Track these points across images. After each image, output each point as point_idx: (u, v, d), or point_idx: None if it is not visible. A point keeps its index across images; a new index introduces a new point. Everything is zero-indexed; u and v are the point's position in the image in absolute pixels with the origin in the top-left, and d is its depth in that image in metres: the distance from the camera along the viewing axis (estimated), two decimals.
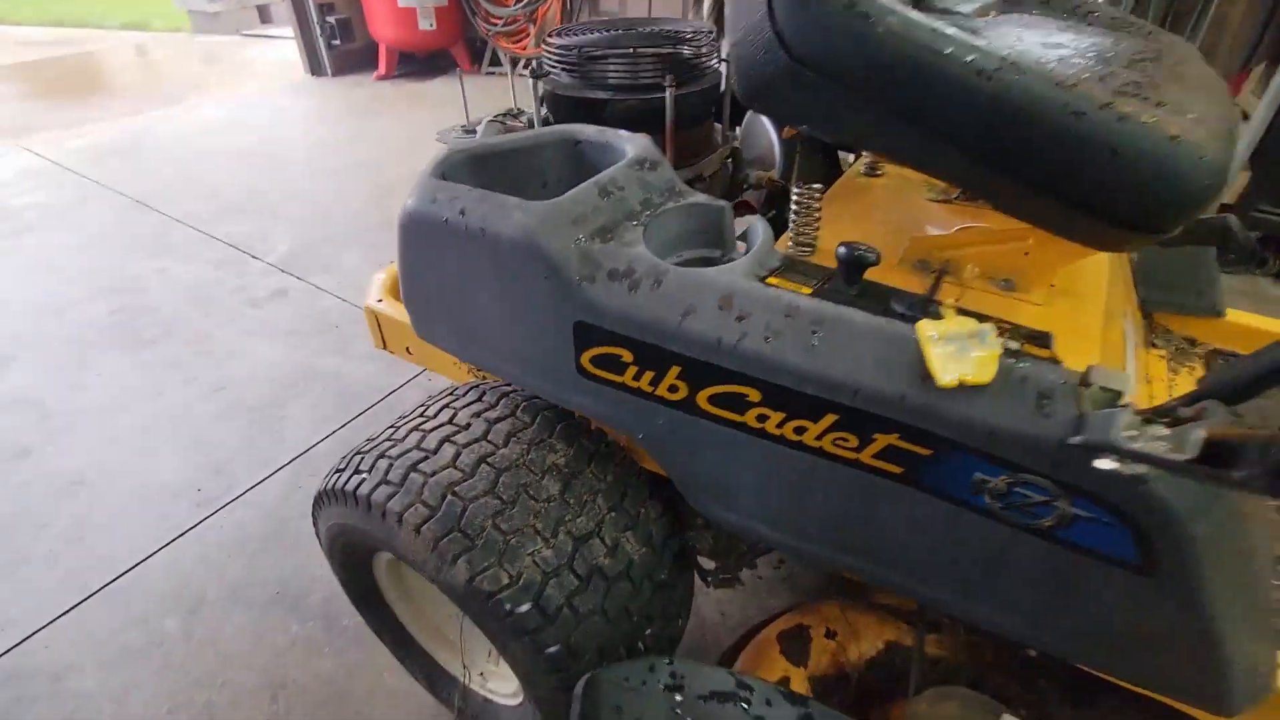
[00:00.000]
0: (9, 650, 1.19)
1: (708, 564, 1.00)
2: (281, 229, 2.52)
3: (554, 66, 1.06)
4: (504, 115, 1.21)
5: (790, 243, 0.93)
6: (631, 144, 0.77)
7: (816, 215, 0.88)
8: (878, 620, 0.97)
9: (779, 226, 1.11)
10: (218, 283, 2.21)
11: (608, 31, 1.12)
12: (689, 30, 1.10)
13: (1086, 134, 0.58)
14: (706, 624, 1.25)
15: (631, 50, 1.00)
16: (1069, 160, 0.60)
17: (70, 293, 2.15)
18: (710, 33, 1.09)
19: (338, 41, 4.17)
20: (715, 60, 1.10)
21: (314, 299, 2.14)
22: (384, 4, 3.94)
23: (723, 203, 0.73)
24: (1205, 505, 0.50)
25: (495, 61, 4.44)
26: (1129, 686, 0.66)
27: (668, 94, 0.97)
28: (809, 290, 0.61)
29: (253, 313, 2.07)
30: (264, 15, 5.87)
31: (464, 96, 1.30)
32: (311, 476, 1.52)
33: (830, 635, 0.98)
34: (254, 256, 2.36)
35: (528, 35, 4.24)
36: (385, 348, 1.24)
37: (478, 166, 0.80)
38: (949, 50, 0.61)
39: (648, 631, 0.83)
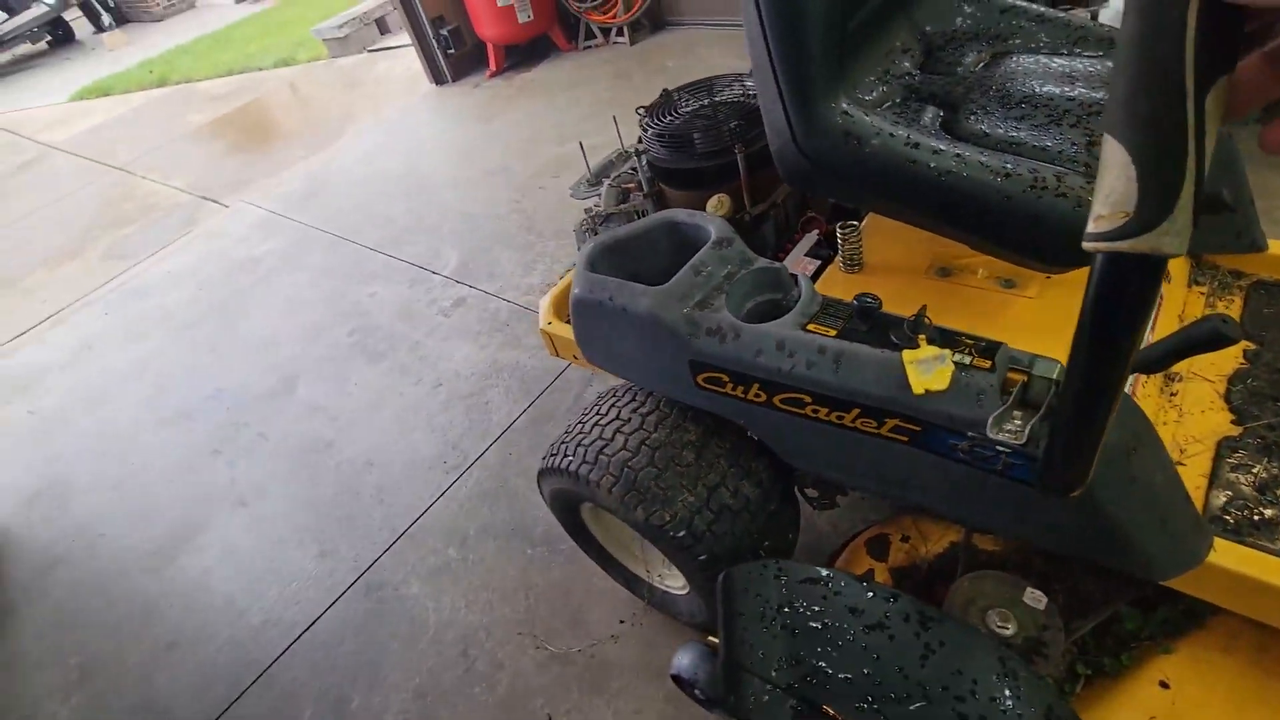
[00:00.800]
0: (364, 572, 1.87)
1: (812, 493, 1.39)
2: (448, 245, 3.09)
3: (652, 145, 1.41)
4: (617, 175, 1.57)
5: (842, 262, 1.25)
6: (713, 225, 1.12)
7: (857, 242, 1.19)
8: (941, 526, 1.31)
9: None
10: (414, 299, 2.83)
11: (696, 101, 1.44)
12: (754, 92, 1.39)
13: (1016, 209, 0.86)
14: (823, 534, 1.64)
15: (707, 129, 1.33)
16: (1005, 225, 0.88)
17: (318, 320, 2.88)
18: None
19: (452, 50, 4.65)
20: None
21: (486, 302, 2.70)
22: (486, 7, 4.33)
23: (779, 265, 1.06)
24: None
25: (589, 35, 4.70)
26: (1097, 562, 0.97)
27: (740, 157, 1.29)
28: (834, 332, 0.95)
29: (445, 321, 2.66)
30: (382, 27, 6.49)
31: (584, 156, 1.68)
32: (517, 444, 2.08)
33: (905, 539, 1.34)
34: (434, 272, 2.96)
35: (615, 4, 4.45)
36: (558, 355, 1.69)
37: (613, 253, 1.20)
38: (917, 159, 0.90)
39: (765, 544, 1.25)
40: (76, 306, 3.54)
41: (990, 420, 0.78)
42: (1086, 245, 0.34)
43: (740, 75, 1.54)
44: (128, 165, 5.26)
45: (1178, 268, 1.33)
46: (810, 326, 0.98)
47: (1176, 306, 1.31)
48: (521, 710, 1.49)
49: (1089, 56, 1.06)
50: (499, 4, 4.29)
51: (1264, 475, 1.01)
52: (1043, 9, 1.14)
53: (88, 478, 2.45)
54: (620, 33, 4.59)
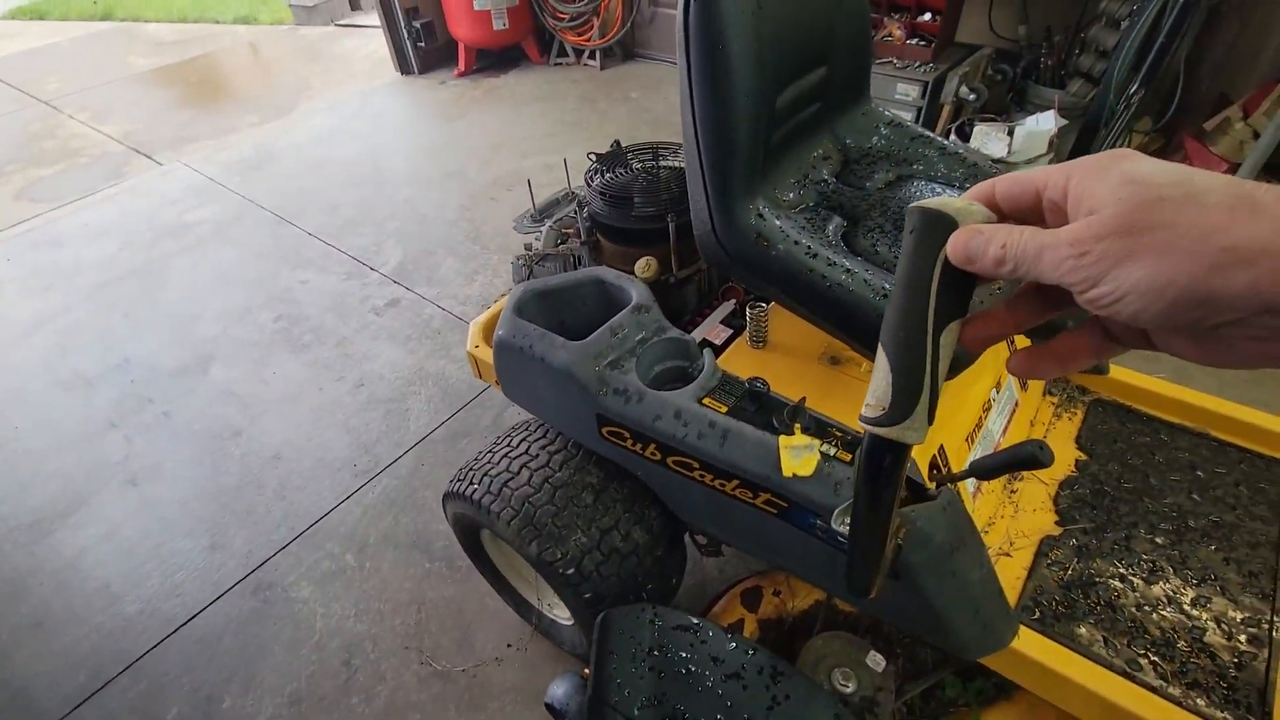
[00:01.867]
0: (255, 569, 1.85)
1: (701, 540, 1.49)
2: (391, 242, 3.08)
3: (594, 200, 1.49)
4: (559, 219, 1.65)
5: (749, 338, 1.36)
6: (635, 290, 1.21)
7: (764, 322, 1.31)
8: (808, 585, 1.44)
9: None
10: (348, 293, 2.81)
11: (637, 159, 1.53)
12: None
13: None
14: (709, 578, 1.75)
15: (642, 193, 1.42)
16: (875, 336, 1.00)
17: (245, 301, 2.81)
18: None
19: (423, 43, 4.63)
20: None
21: (421, 307, 2.71)
22: (462, 7, 4.34)
23: (688, 337, 1.16)
24: (917, 547, 0.93)
25: (562, 52, 4.78)
26: (920, 638, 1.11)
27: (671, 225, 1.39)
28: (725, 409, 1.06)
29: (376, 320, 2.66)
30: (354, 3, 6.37)
31: (531, 194, 1.74)
32: (432, 456, 2.11)
33: (776, 593, 1.46)
34: (372, 268, 2.94)
35: (592, 28, 4.54)
36: (481, 379, 1.74)
37: (541, 300, 1.27)
38: (813, 268, 1.02)
39: (649, 587, 1.33)
40: None
41: (835, 512, 0.89)
42: (860, 421, 0.45)
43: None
44: (55, 100, 4.94)
45: (1035, 381, 1.52)
46: (705, 400, 1.08)
47: (1030, 412, 1.49)
48: None
49: None
50: (475, 8, 4.31)
51: (1072, 574, 1.17)
52: (945, 141, 1.30)
53: None
54: (592, 56, 4.69)
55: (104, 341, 2.66)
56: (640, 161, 1.57)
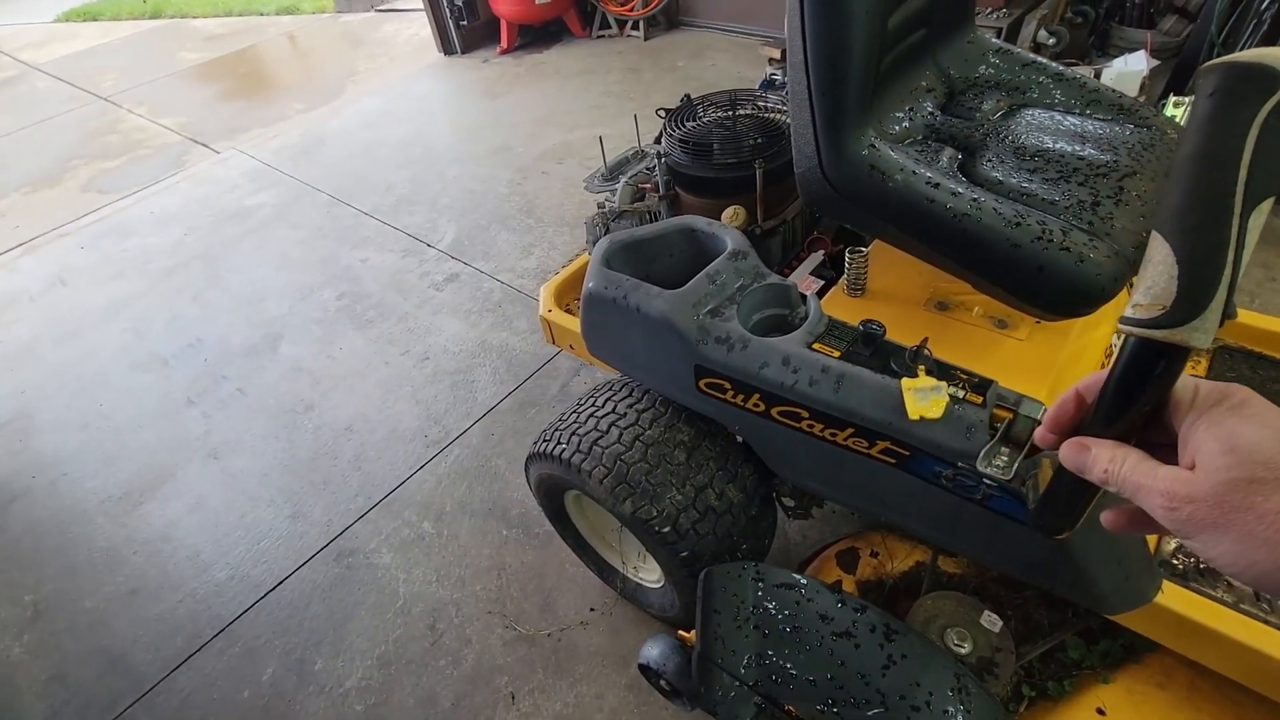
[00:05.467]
0: (336, 537, 1.87)
1: (788, 502, 1.44)
2: (445, 219, 3.08)
3: (673, 149, 1.44)
4: (634, 174, 1.60)
5: (846, 286, 1.29)
6: (730, 237, 1.16)
7: (863, 267, 1.24)
8: (908, 545, 1.38)
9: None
10: (406, 270, 2.82)
11: (717, 113, 1.47)
12: (779, 108, 1.43)
13: (1022, 257, 0.91)
14: (792, 543, 1.70)
15: (731, 141, 1.36)
16: (1011, 271, 0.93)
17: (307, 281, 2.84)
18: None
19: (465, 22, 4.60)
20: None
21: (479, 281, 2.70)
22: None
23: (789, 283, 1.11)
24: None
25: (604, 24, 4.69)
26: (1053, 592, 1.04)
27: (758, 172, 1.33)
28: (838, 354, 1.00)
29: (437, 295, 2.66)
30: None
31: (603, 151, 1.70)
32: (501, 426, 2.10)
33: (874, 554, 1.40)
34: (429, 245, 2.94)
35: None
36: (554, 344, 1.71)
37: (629, 250, 1.23)
38: (935, 199, 0.95)
39: (743, 546, 1.29)
40: (51, 237, 3.43)
41: (980, 454, 0.83)
42: (1122, 326, 0.39)
43: (760, 92, 1.58)
44: (114, 96, 5.08)
45: None
46: (815, 346, 1.02)
47: None
48: (485, 687, 1.52)
49: (1100, 119, 1.12)
50: None
51: None
52: (1061, 67, 1.20)
53: (53, 414, 2.39)
54: (635, 26, 4.60)
55: (176, 323, 2.73)
56: (719, 110, 1.50)
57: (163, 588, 1.83)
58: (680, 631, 1.28)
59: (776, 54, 3.41)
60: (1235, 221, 0.34)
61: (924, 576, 1.34)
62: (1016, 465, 0.81)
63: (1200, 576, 1.04)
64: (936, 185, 0.96)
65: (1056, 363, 1.08)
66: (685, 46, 4.41)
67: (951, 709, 0.99)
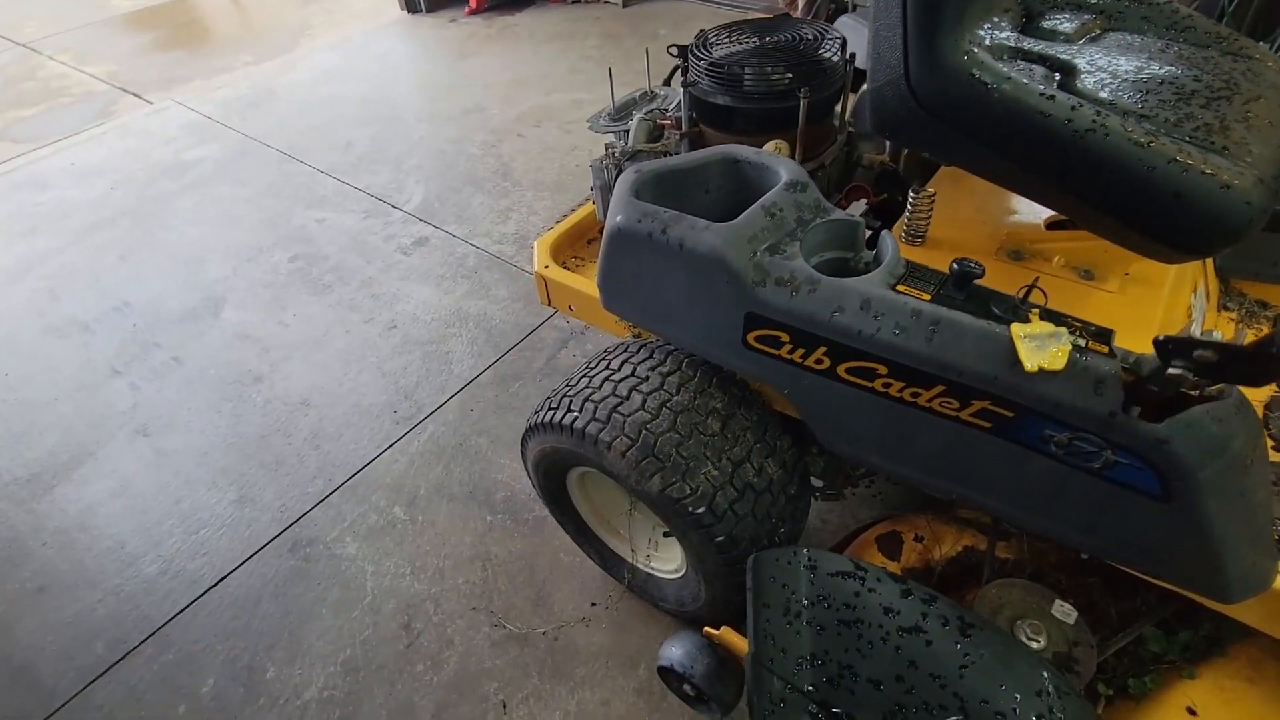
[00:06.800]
0: (291, 525, 1.62)
1: (817, 482, 1.28)
2: (412, 180, 2.81)
3: (700, 78, 1.25)
4: (650, 111, 1.41)
5: (903, 232, 1.14)
6: (784, 168, 0.99)
7: (927, 211, 1.08)
8: (956, 529, 1.24)
9: (891, 208, 1.31)
10: (369, 231, 2.55)
11: (746, 41, 1.29)
12: (815, 36, 1.26)
13: (1157, 182, 0.77)
14: (810, 528, 1.54)
15: (769, 68, 1.19)
16: (1142, 199, 0.79)
17: (255, 241, 2.54)
18: (838, 39, 1.25)
19: None
20: (840, 60, 1.26)
21: (452, 246, 2.46)
22: None
23: (858, 219, 0.94)
24: (1211, 456, 0.72)
25: None
26: (1153, 580, 0.91)
27: (801, 104, 1.16)
28: (928, 296, 0.84)
29: (404, 259, 2.40)
30: None
31: (611, 88, 1.50)
32: (480, 401, 1.88)
33: (918, 539, 1.26)
34: (394, 206, 2.68)
35: None
36: (550, 304, 1.51)
37: (660, 183, 1.04)
38: (1052, 113, 0.80)
39: (782, 530, 1.13)
40: None
41: (1129, 413, 0.68)
42: None
43: (795, 21, 1.41)
44: (34, 42, 4.57)
45: (1212, 290, 1.31)
46: (900, 288, 0.86)
47: (1208, 328, 1.28)
48: (472, 695, 1.31)
49: (1198, 46, 0.99)
50: None
51: None
52: None
53: None
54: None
55: (100, 285, 2.39)
56: (751, 36, 1.32)
57: (78, 585, 1.55)
58: (707, 629, 1.11)
59: None
60: None
61: (977, 563, 1.21)
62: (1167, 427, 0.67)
63: None
64: (1051, 97, 0.80)
65: (1156, 314, 0.95)
66: (667, 15, 4.22)
67: (1040, 714, 0.85)
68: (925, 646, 0.90)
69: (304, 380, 1.98)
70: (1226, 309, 1.31)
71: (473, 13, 4.39)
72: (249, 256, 2.47)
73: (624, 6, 4.33)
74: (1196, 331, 1.16)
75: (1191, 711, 0.98)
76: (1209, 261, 1.27)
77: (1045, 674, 0.88)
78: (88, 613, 1.50)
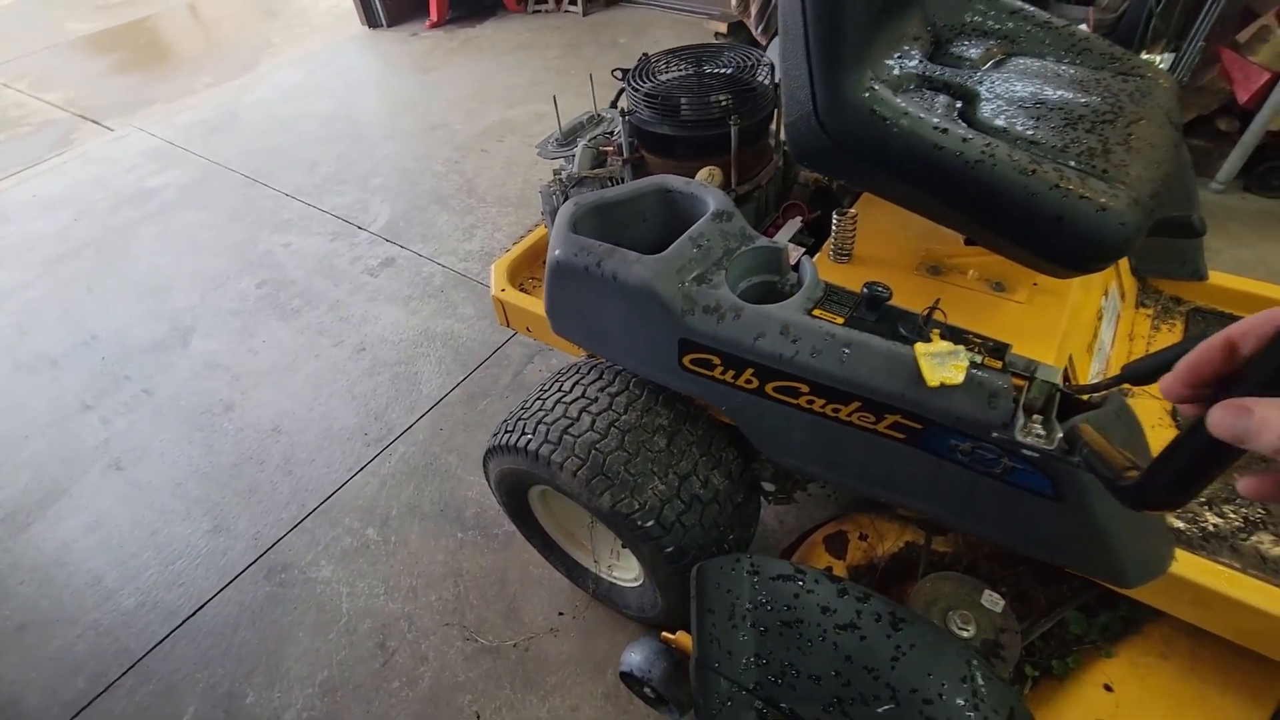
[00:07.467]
0: (266, 551, 1.66)
1: (769, 487, 1.35)
2: (378, 199, 2.84)
3: (638, 108, 1.31)
4: (594, 137, 1.46)
5: (831, 250, 1.20)
6: (711, 197, 1.04)
7: (851, 232, 1.15)
8: (898, 525, 1.31)
9: (826, 225, 1.37)
10: (336, 254, 2.58)
11: (683, 69, 1.35)
12: (750, 63, 1.32)
13: (1040, 207, 0.84)
14: (768, 529, 1.61)
15: (701, 98, 1.24)
16: (1029, 223, 0.85)
17: (222, 268, 2.56)
18: (769, 65, 1.31)
19: None
20: (770, 84, 1.32)
21: (418, 266, 2.49)
22: None
23: (780, 245, 1.00)
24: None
25: None
26: (1065, 568, 0.98)
27: (733, 129, 1.22)
28: (842, 320, 0.90)
29: (371, 281, 2.44)
30: None
31: (557, 114, 1.55)
32: (449, 420, 1.93)
33: (863, 537, 1.33)
34: (360, 227, 2.71)
35: None
36: (508, 326, 1.56)
37: (598, 215, 1.09)
38: (945, 145, 0.86)
39: (730, 537, 1.19)
40: None
41: (1016, 424, 0.75)
42: None
43: (729, 46, 1.47)
44: None
45: (1132, 290, 1.39)
46: (816, 312, 0.92)
47: (1126, 326, 1.37)
48: (447, 707, 1.36)
49: (1093, 68, 1.06)
50: None
51: (1214, 490, 1.05)
52: (1049, 16, 1.14)
53: None
54: (573, 1, 4.41)
55: (67, 318, 2.41)
56: (686, 65, 1.38)
57: (58, 620, 1.58)
58: (664, 634, 1.17)
59: (723, 28, 3.31)
60: None
61: (917, 558, 1.28)
62: (1061, 435, 0.74)
63: (1207, 542, 1.00)
64: (944, 130, 0.87)
65: (1059, 324, 1.02)
66: (626, 23, 4.27)
67: (965, 699, 0.92)
68: (860, 642, 0.97)
69: (275, 407, 2.01)
70: (1144, 306, 1.39)
71: (434, 26, 4.41)
72: (216, 284, 2.49)
73: (584, 15, 4.37)
74: (1105, 334, 1.24)
75: (1108, 688, 1.05)
76: (1123, 264, 1.35)
77: (971, 661, 0.95)
78: (68, 648, 1.53)
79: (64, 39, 4.97)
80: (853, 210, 1.14)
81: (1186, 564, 0.93)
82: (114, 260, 2.65)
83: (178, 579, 1.63)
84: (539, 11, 4.50)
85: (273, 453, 1.89)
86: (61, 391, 2.13)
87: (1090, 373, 1.13)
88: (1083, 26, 2.22)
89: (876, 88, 0.90)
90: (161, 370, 2.17)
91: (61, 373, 2.20)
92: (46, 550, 1.72)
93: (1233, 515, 1.03)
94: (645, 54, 1.52)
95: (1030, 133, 0.93)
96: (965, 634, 1.09)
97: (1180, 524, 1.03)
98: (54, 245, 2.76)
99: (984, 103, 0.99)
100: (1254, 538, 0.99)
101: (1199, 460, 0.41)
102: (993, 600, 1.11)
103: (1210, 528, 1.01)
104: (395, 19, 4.48)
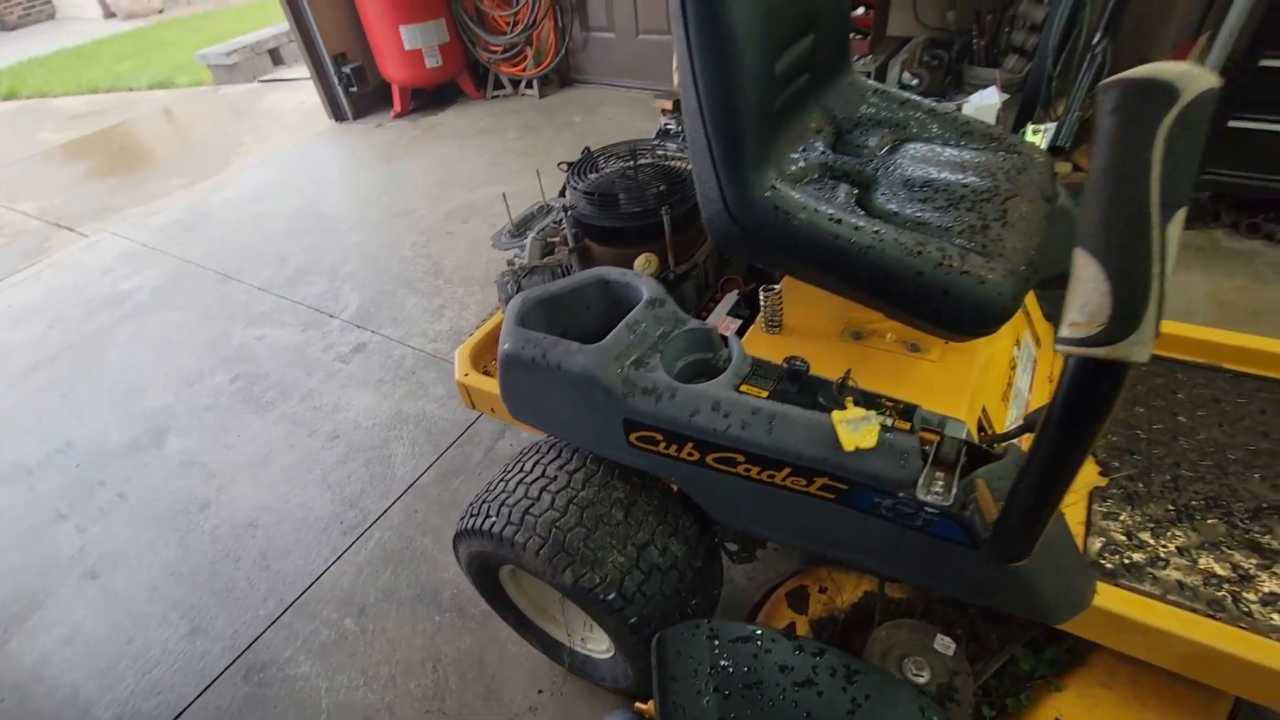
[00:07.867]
0: (244, 651, 1.66)
1: (732, 547, 1.40)
2: (348, 287, 2.94)
3: (579, 202, 1.43)
4: (542, 229, 1.57)
5: (764, 322, 1.30)
6: (645, 285, 1.14)
7: (778, 304, 1.25)
8: (854, 577, 1.37)
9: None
10: (309, 343, 2.65)
11: (620, 163, 1.48)
12: (679, 156, 1.45)
13: (927, 284, 0.94)
14: (738, 586, 1.66)
15: (631, 189, 1.36)
16: (919, 298, 0.96)
17: (195, 365, 2.61)
18: None
19: (355, 88, 4.52)
20: None
21: (389, 349, 2.57)
22: (392, 49, 4.27)
23: (709, 327, 1.10)
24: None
25: (498, 85, 4.74)
26: (1000, 610, 1.04)
27: (665, 219, 1.33)
28: (766, 394, 0.99)
29: (344, 368, 2.51)
30: (275, 58, 6.22)
31: (508, 208, 1.66)
32: (424, 501, 1.97)
33: (823, 590, 1.38)
34: (331, 315, 2.79)
35: (526, 58, 4.53)
36: (474, 408, 1.63)
37: (544, 307, 1.19)
38: (839, 234, 0.97)
39: (693, 602, 1.24)
40: None
41: (919, 482, 0.83)
42: (1060, 348, 0.38)
43: (659, 141, 1.61)
44: None
45: (1046, 334, 1.51)
46: (743, 388, 1.01)
47: (1046, 369, 1.47)
48: None
49: (974, 149, 1.20)
50: (406, 48, 4.24)
51: (1130, 522, 1.13)
52: (933, 103, 1.29)
53: None
54: (529, 85, 4.67)
55: (41, 426, 2.43)
56: (620, 160, 1.51)
57: None
58: (638, 704, 1.20)
59: (669, 105, 3.53)
60: (1156, 233, 0.34)
61: (874, 607, 1.33)
62: (955, 491, 0.82)
63: (1127, 573, 1.07)
64: (839, 221, 0.98)
65: (969, 380, 1.12)
66: (580, 103, 4.51)
67: None
68: (818, 697, 1.01)
69: (251, 501, 2.04)
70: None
71: (398, 116, 4.63)
72: (190, 381, 2.54)
73: (540, 98, 4.62)
74: (1021, 381, 1.34)
75: None
76: (1035, 311, 1.47)
77: (924, 710, 1.00)
78: None
79: (38, 149, 5.11)
80: (778, 286, 1.25)
81: (1108, 596, 1.00)
82: (88, 365, 2.70)
83: (155, 687, 1.62)
84: (497, 97, 4.75)
85: (249, 548, 1.90)
86: (36, 500, 2.14)
87: (1008, 420, 1.22)
88: (966, 109, 2.44)
89: (778, 185, 1.02)
90: (136, 472, 2.19)
91: (36, 481, 2.21)
92: (25, 665, 1.70)
93: (1152, 544, 1.11)
94: (587, 148, 1.65)
95: (918, 214, 1.04)
96: (920, 680, 1.14)
97: (1105, 556, 1.11)
98: (28, 355, 2.80)
99: (879, 189, 1.12)
100: (1170, 566, 1.07)
101: (1026, 515, 0.49)
102: (944, 644, 1.16)
103: (1130, 559, 1.09)
104: (361, 111, 4.70)
